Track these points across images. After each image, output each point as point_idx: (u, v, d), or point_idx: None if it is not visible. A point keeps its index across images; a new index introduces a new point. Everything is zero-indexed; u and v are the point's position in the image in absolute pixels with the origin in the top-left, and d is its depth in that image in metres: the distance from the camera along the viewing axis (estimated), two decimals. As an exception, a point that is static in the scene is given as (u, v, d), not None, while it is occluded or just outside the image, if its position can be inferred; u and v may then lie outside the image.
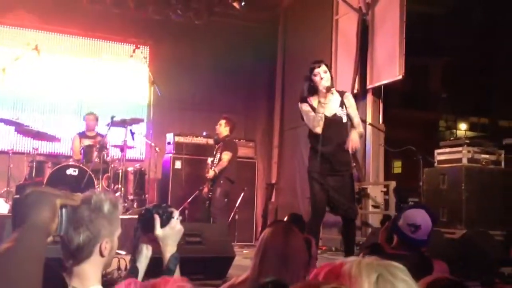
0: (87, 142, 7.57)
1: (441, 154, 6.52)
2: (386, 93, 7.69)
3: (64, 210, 1.37)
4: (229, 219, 7.47)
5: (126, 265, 3.77)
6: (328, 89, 4.64)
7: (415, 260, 2.74)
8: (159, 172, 8.42)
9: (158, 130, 8.65)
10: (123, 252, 3.88)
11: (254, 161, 8.64)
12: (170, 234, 1.97)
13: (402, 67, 6.80)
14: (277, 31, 10.02)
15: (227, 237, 5.35)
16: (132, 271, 1.99)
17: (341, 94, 4.83)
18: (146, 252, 2.02)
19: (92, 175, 6.85)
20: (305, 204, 8.28)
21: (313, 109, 4.69)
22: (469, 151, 6.23)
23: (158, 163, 8.24)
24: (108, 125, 7.20)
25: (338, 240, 6.82)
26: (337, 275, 1.07)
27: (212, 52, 9.51)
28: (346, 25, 7.94)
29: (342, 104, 4.76)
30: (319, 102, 4.65)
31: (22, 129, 7.24)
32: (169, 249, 1.96)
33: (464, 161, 6.18)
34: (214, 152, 7.23)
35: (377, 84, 7.43)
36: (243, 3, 8.52)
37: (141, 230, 2.02)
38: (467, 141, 6.43)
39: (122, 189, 7.13)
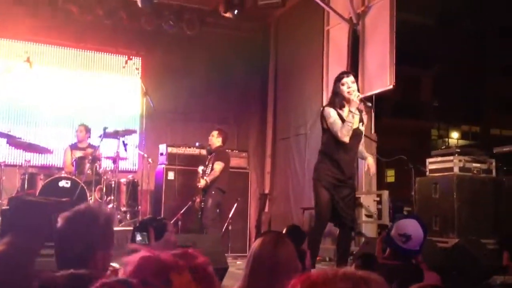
0: (78, 154, 7.54)
1: (433, 163, 6.55)
2: (378, 103, 7.72)
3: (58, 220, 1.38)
4: (223, 230, 7.45)
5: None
6: (361, 101, 4.77)
7: (406, 270, 2.75)
8: (152, 183, 8.38)
9: (151, 141, 8.64)
10: (117, 265, 3.86)
11: (247, 171, 8.62)
12: (165, 246, 1.97)
13: (393, 76, 6.82)
14: (268, 41, 10.06)
15: (220, 248, 5.35)
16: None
17: (360, 111, 4.90)
18: None
19: (85, 187, 6.81)
20: (298, 213, 8.29)
21: (340, 117, 4.75)
22: (460, 160, 6.27)
23: (151, 174, 8.21)
24: (100, 136, 7.17)
25: (332, 250, 6.81)
26: (312, 285, 1.08)
27: (205, 63, 9.52)
28: (337, 35, 7.98)
29: (361, 120, 4.89)
30: (350, 111, 4.70)
31: (14, 141, 7.20)
32: None
33: (456, 170, 6.21)
34: (207, 163, 7.24)
35: (368, 94, 7.44)
36: (236, 12, 8.53)
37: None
38: (458, 150, 6.47)
39: (115, 200, 7.09)
